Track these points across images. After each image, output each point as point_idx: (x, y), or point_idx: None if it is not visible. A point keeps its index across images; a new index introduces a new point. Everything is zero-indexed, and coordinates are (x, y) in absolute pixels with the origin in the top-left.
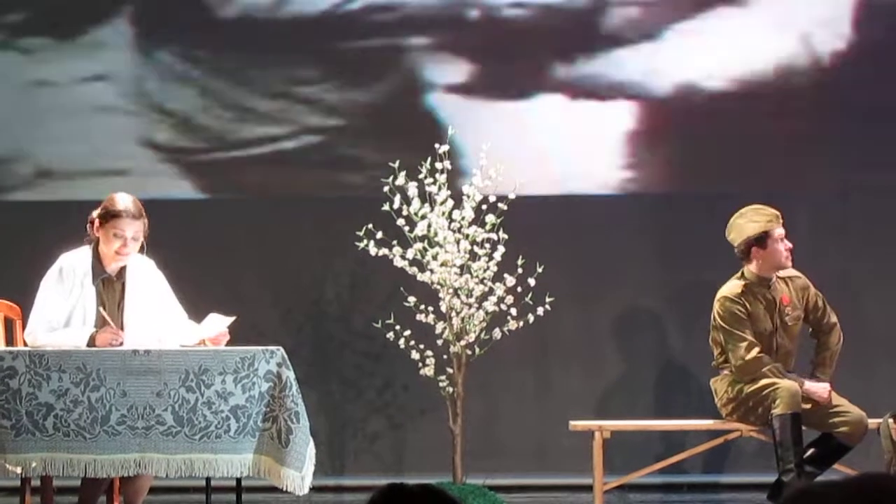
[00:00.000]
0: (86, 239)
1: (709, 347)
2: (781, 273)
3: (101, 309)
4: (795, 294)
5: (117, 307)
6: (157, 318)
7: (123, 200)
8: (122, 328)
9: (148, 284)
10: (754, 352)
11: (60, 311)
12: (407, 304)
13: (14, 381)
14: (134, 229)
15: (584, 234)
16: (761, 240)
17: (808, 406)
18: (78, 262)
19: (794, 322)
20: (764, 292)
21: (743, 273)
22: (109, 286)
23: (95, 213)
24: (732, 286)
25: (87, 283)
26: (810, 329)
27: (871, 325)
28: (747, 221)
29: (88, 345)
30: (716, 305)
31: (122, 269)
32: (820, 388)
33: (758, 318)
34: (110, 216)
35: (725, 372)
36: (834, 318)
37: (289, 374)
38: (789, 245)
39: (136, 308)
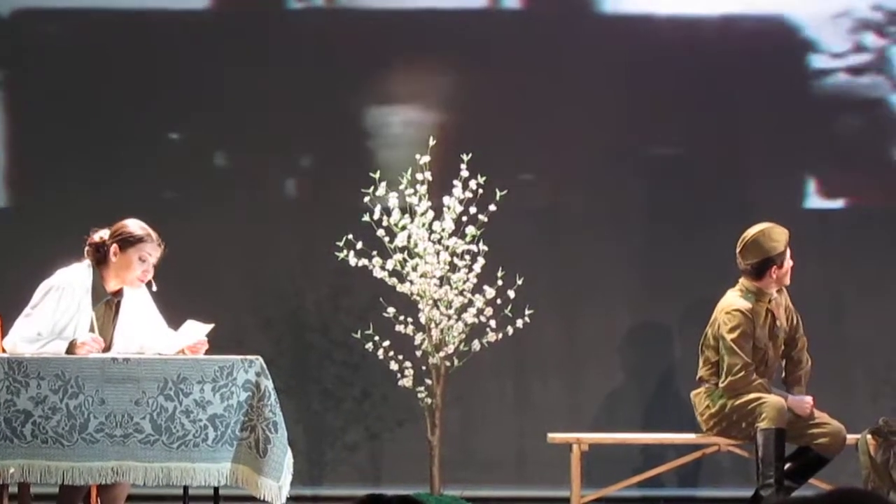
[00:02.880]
0: (87, 256)
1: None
2: None
3: (91, 316)
4: (784, 309)
5: (111, 324)
6: (144, 332)
7: (143, 226)
8: (111, 344)
9: (138, 301)
10: (747, 371)
11: (52, 327)
12: (386, 315)
13: None
14: (157, 254)
15: (565, 246)
16: (780, 258)
17: (789, 418)
18: (77, 281)
19: (782, 336)
20: (765, 307)
21: (746, 288)
22: (107, 305)
23: (108, 237)
24: (744, 301)
25: (85, 302)
26: (782, 347)
27: (851, 341)
28: (769, 240)
29: (67, 353)
30: (722, 317)
31: (120, 289)
32: (804, 402)
33: (758, 334)
34: (136, 240)
35: (708, 385)
36: (804, 338)
37: (267, 384)
38: (791, 263)
39: (128, 327)
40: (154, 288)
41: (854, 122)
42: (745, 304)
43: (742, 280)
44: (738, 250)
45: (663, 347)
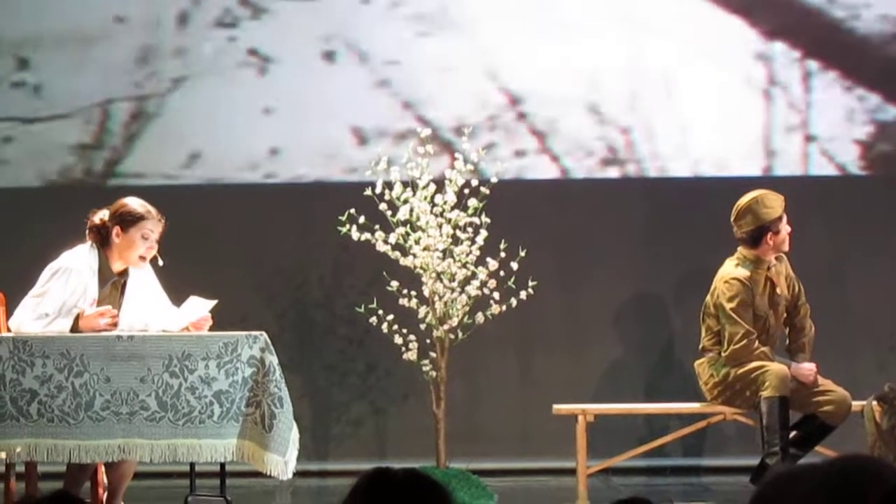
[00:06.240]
0: (89, 238)
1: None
2: None
3: (95, 298)
4: (784, 276)
5: (118, 305)
6: (149, 309)
7: (143, 204)
8: (117, 324)
9: (143, 279)
10: (749, 339)
11: (59, 308)
12: (389, 289)
13: None
14: (159, 230)
15: (568, 218)
16: (776, 225)
17: (793, 386)
18: (84, 263)
19: (783, 303)
20: (764, 275)
21: (745, 256)
22: (113, 286)
23: (107, 218)
24: (742, 270)
25: (92, 284)
26: (784, 315)
27: (855, 309)
28: (763, 207)
29: (73, 329)
30: (721, 286)
31: (125, 269)
32: (806, 370)
33: (757, 302)
34: (137, 218)
35: (711, 354)
36: (807, 305)
37: (272, 359)
38: (789, 229)
39: (134, 306)
40: (161, 263)
41: None
42: (744, 273)
43: (740, 249)
44: (732, 219)
45: (666, 317)
